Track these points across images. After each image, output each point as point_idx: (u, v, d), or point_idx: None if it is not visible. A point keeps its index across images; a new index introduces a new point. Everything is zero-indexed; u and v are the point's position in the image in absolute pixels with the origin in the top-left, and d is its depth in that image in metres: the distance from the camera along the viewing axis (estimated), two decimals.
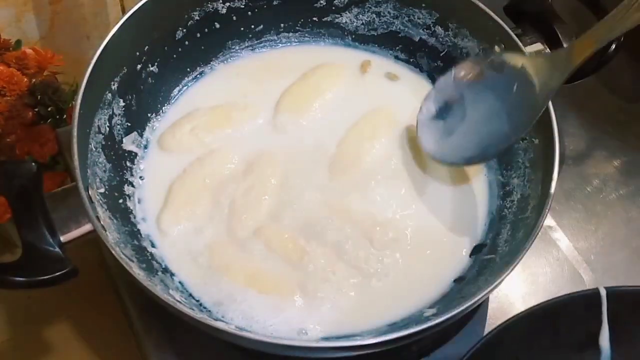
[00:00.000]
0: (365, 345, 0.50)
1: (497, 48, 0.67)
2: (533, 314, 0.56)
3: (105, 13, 0.90)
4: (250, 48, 0.76)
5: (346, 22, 0.76)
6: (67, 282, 0.54)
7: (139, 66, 0.67)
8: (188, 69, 0.73)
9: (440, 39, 0.73)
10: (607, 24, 0.58)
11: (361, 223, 0.63)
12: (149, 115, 0.69)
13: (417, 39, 0.74)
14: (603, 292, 0.56)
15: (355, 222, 0.63)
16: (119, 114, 0.65)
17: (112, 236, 0.55)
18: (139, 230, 0.62)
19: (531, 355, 0.56)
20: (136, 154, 0.67)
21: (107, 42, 0.61)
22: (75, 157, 0.56)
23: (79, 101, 0.58)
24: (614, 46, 0.68)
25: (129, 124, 0.67)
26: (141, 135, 0.68)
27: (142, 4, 0.64)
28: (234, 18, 0.73)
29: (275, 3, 0.74)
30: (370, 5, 0.74)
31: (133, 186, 0.65)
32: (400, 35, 0.75)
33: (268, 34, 0.76)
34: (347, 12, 0.75)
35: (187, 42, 0.71)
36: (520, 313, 0.55)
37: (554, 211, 0.72)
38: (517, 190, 0.64)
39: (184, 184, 0.65)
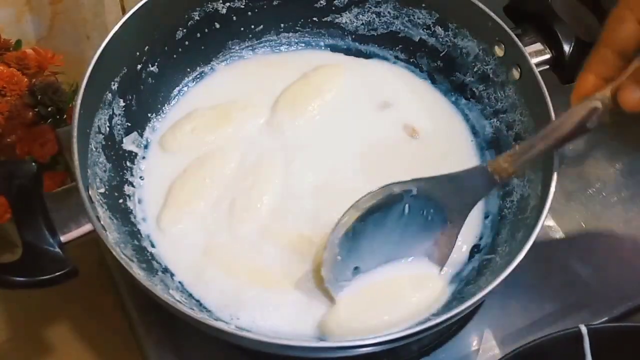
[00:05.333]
0: (365, 345, 0.50)
1: (497, 48, 0.67)
2: (516, 357, 0.56)
3: (105, 13, 0.90)
4: (251, 48, 0.76)
5: (346, 22, 0.76)
6: (67, 282, 0.54)
7: (139, 66, 0.67)
8: (188, 69, 0.73)
9: (440, 39, 0.73)
10: (528, 151, 0.55)
11: None
12: (149, 115, 0.69)
13: (417, 39, 0.74)
14: (584, 330, 0.57)
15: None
16: (119, 114, 0.65)
17: (112, 236, 0.55)
18: (139, 230, 0.62)
19: None
20: (136, 154, 0.67)
21: (107, 42, 0.61)
22: (75, 157, 0.56)
23: (79, 101, 0.58)
24: None
25: (129, 124, 0.67)
26: (141, 136, 0.68)
27: (142, 4, 0.64)
28: (234, 18, 0.73)
29: (275, 3, 0.74)
30: (370, 6, 0.74)
31: (133, 186, 0.65)
32: (400, 35, 0.75)
33: (268, 34, 0.76)
34: (347, 12, 0.75)
35: (187, 42, 0.71)
36: (504, 357, 0.56)
37: (553, 211, 0.72)
38: (517, 190, 0.64)
39: (184, 183, 0.65)
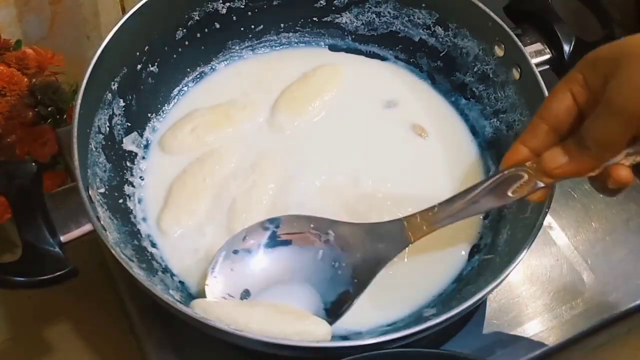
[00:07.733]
0: (365, 345, 0.50)
1: (497, 48, 0.67)
2: None
3: (105, 13, 0.90)
4: (251, 48, 0.76)
5: (346, 22, 0.76)
6: (67, 282, 0.54)
7: (139, 66, 0.67)
8: (188, 69, 0.73)
9: (440, 39, 0.73)
10: (447, 210, 0.54)
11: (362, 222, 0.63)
12: (149, 115, 0.69)
13: (417, 39, 0.74)
14: None
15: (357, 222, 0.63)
16: (119, 114, 0.65)
17: (112, 236, 0.55)
18: (139, 230, 0.62)
19: None
20: (136, 154, 0.67)
21: (107, 42, 0.61)
22: (75, 157, 0.56)
23: (79, 101, 0.58)
24: None
25: (129, 124, 0.67)
26: (141, 136, 0.68)
27: (142, 4, 0.65)
28: (234, 18, 0.73)
29: (275, 3, 0.74)
30: (370, 6, 0.74)
31: (133, 186, 0.65)
32: (400, 35, 0.75)
33: (268, 34, 0.76)
34: (347, 12, 0.75)
35: (187, 42, 0.71)
36: None
37: (553, 211, 0.72)
38: None
39: (184, 184, 0.65)
